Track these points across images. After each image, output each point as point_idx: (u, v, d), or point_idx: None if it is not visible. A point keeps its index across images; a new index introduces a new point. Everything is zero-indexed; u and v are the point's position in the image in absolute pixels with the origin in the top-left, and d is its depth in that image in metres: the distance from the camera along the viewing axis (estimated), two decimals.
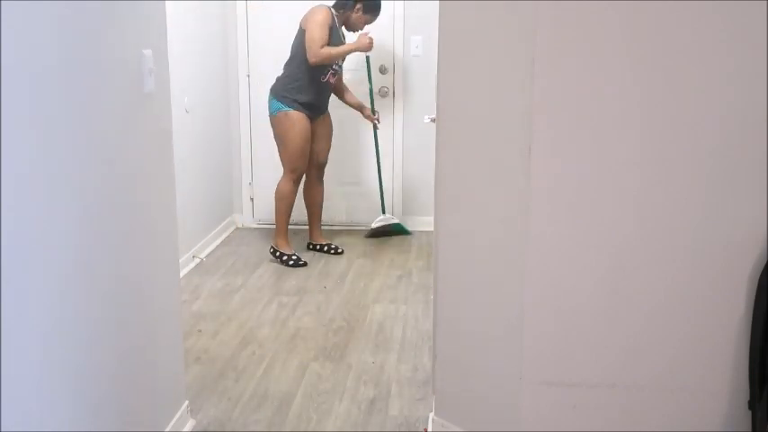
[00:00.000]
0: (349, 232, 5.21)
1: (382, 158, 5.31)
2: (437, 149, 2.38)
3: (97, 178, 1.90)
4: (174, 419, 2.50)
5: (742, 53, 1.89)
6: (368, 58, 4.67)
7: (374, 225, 5.06)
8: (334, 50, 4.38)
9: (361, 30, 4.55)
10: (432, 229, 2.68)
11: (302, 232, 4.90)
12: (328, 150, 4.71)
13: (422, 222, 5.11)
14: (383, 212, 5.15)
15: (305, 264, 4.49)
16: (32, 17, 1.58)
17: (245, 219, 5.43)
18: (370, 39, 4.49)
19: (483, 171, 2.21)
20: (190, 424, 2.64)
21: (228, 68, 5.21)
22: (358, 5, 4.45)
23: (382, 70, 5.17)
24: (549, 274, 2.10)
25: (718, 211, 1.98)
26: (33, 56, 1.59)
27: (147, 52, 2.18)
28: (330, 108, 4.67)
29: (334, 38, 4.39)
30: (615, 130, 1.98)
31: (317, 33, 4.30)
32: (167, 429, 2.44)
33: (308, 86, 4.42)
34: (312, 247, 4.78)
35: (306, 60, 4.34)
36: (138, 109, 2.17)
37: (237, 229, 5.38)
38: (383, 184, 5.13)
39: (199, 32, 4.68)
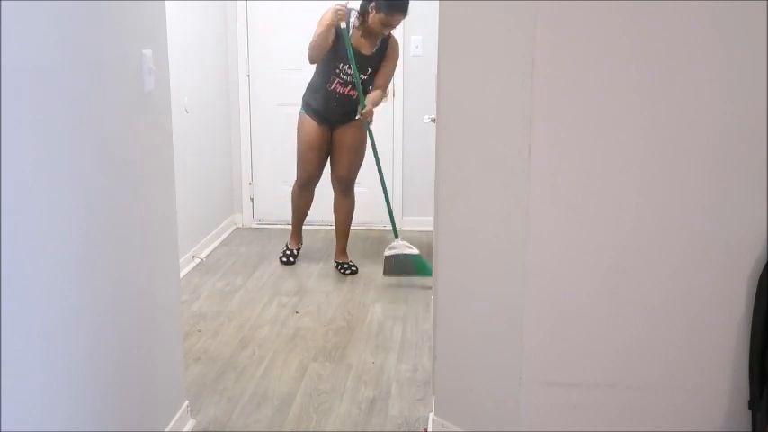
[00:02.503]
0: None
1: (383, 160, 5.30)
2: (437, 149, 2.38)
3: (97, 178, 1.90)
4: (174, 419, 2.50)
5: (742, 53, 1.89)
6: (343, 30, 4.05)
7: (387, 253, 4.24)
8: (313, 37, 4.08)
9: (385, 34, 4.14)
10: (432, 229, 2.68)
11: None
12: (348, 164, 4.38)
13: (422, 222, 5.11)
14: (396, 237, 4.35)
15: (289, 263, 4.51)
16: (32, 17, 1.58)
17: (245, 219, 5.44)
18: (338, 6, 4.03)
19: (483, 171, 2.21)
20: (190, 424, 2.64)
21: (228, 68, 5.22)
22: (372, 4, 4.05)
23: None
24: (549, 274, 2.10)
25: (718, 211, 1.98)
26: (33, 56, 1.59)
27: (147, 52, 2.18)
28: None
29: (340, 41, 4.10)
30: (615, 130, 1.98)
31: (314, 32, 4.14)
32: (167, 429, 2.44)
33: (317, 92, 4.28)
34: (335, 264, 4.53)
35: (317, 64, 4.26)
36: (138, 109, 2.16)
37: (237, 229, 5.39)
38: (389, 197, 4.45)
39: (199, 32, 4.68)
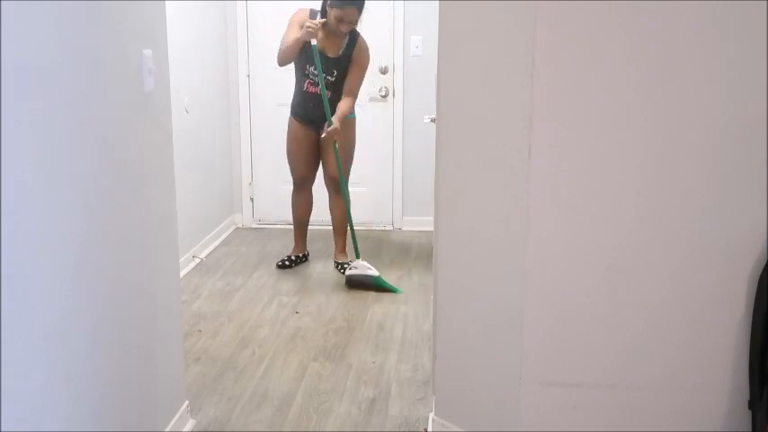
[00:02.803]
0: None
1: (382, 160, 5.31)
2: (437, 149, 2.38)
3: (97, 178, 1.90)
4: (174, 419, 2.50)
5: (742, 53, 1.89)
6: (312, 47, 4.03)
7: (349, 273, 4.20)
8: (283, 45, 4.09)
9: (343, 31, 4.08)
10: (432, 229, 2.68)
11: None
12: (336, 164, 4.34)
13: (422, 222, 5.11)
14: (357, 256, 4.32)
15: (283, 266, 4.47)
16: (32, 17, 1.58)
17: (245, 219, 5.44)
18: (308, 24, 3.98)
19: (483, 171, 2.21)
20: (190, 424, 2.64)
21: (228, 68, 5.22)
22: (328, 2, 4.01)
23: (382, 70, 5.17)
24: (549, 274, 2.10)
25: (719, 211, 1.98)
26: (33, 56, 1.59)
27: (147, 52, 2.18)
28: None
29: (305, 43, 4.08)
30: (615, 130, 1.98)
31: (284, 35, 4.14)
32: (167, 429, 2.44)
33: (296, 94, 4.31)
34: (335, 264, 4.53)
35: (293, 68, 4.28)
36: (138, 109, 2.17)
37: (237, 229, 5.39)
38: (350, 214, 4.38)
39: (199, 32, 4.68)
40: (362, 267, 4.16)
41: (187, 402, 2.64)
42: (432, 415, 2.54)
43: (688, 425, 2.11)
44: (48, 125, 1.66)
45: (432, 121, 2.64)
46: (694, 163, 1.97)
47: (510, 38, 2.06)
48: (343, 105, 4.18)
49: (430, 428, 2.54)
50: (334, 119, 4.11)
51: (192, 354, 3.25)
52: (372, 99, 5.21)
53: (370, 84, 5.18)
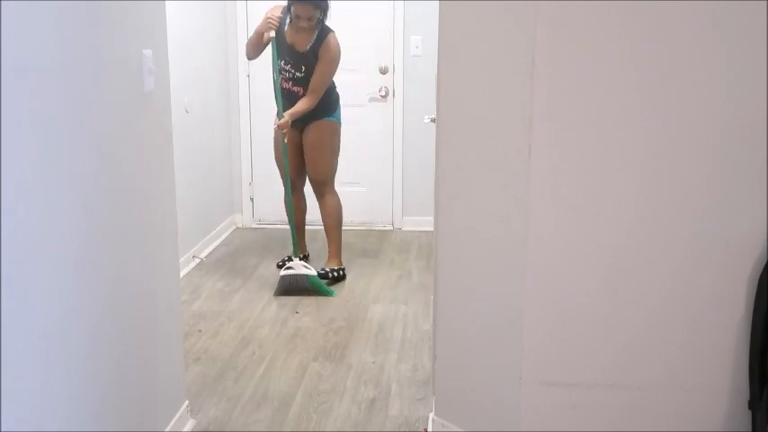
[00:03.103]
0: (348, 232, 5.19)
1: (382, 160, 5.31)
2: (437, 149, 2.38)
3: (97, 178, 1.90)
4: (174, 419, 2.50)
5: (742, 53, 1.89)
6: (272, 38, 4.06)
7: (283, 273, 4.07)
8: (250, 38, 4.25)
9: (303, 26, 4.01)
10: (432, 229, 2.68)
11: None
12: (313, 165, 4.26)
13: (422, 222, 5.11)
14: (295, 254, 4.25)
15: (283, 266, 4.34)
16: (32, 17, 1.58)
17: (245, 219, 5.44)
18: (269, 16, 4.05)
19: (483, 171, 2.21)
20: (190, 424, 2.64)
21: (228, 68, 5.22)
22: None
23: (382, 70, 5.17)
24: (549, 274, 2.10)
25: (719, 211, 1.98)
26: (33, 56, 1.59)
27: (147, 52, 2.18)
28: None
29: (278, 36, 4.09)
30: (615, 130, 1.98)
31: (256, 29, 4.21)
32: (167, 429, 2.44)
33: (277, 92, 4.19)
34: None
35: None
36: (138, 109, 2.17)
37: (237, 229, 5.39)
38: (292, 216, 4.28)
39: (199, 32, 4.68)
40: (299, 266, 4.04)
41: (187, 402, 2.64)
42: (432, 415, 2.54)
43: (688, 425, 2.11)
44: (48, 125, 1.66)
45: (432, 121, 2.64)
46: (694, 163, 1.97)
47: (510, 38, 2.06)
48: (301, 103, 4.10)
49: (430, 428, 2.54)
50: (287, 113, 4.08)
51: (192, 354, 3.25)
52: (372, 99, 5.21)
53: (370, 84, 5.18)
